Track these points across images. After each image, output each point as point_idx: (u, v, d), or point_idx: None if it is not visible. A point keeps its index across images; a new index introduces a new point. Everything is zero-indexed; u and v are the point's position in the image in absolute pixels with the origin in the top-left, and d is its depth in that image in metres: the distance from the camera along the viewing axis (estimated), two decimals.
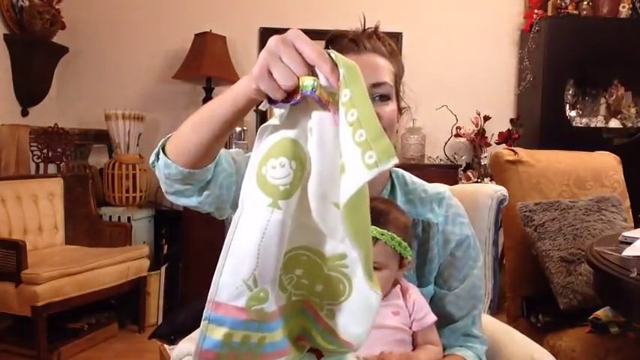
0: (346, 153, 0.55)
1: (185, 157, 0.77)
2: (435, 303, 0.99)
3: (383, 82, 0.91)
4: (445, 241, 0.99)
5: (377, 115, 0.86)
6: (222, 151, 0.87)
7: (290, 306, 0.67)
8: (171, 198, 0.87)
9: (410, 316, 0.89)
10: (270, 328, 0.63)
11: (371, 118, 0.55)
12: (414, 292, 0.91)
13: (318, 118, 0.60)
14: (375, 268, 0.87)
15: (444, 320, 0.98)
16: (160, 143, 0.82)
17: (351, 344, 0.67)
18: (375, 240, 0.87)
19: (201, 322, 0.60)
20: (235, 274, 0.60)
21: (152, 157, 0.83)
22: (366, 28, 0.97)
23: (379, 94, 0.91)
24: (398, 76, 0.97)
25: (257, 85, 0.60)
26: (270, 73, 0.58)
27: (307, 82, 0.58)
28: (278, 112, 0.62)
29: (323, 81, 0.58)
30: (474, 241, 1.01)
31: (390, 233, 0.88)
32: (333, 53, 0.58)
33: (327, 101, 0.59)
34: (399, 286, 0.91)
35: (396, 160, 0.53)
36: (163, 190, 0.86)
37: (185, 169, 0.78)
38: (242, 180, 0.64)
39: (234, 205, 0.89)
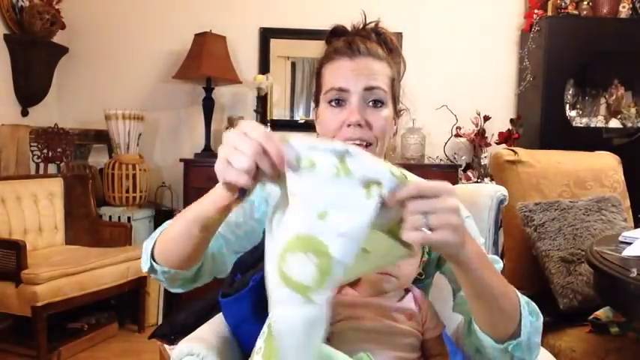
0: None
1: (175, 262, 0.83)
2: (452, 280, 0.96)
3: (376, 86, 0.90)
4: None
5: (368, 122, 0.90)
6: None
7: None
8: (175, 291, 0.93)
9: (423, 324, 0.89)
10: None
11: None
12: (426, 300, 0.92)
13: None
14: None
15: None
16: (149, 251, 0.86)
17: None
18: None
19: None
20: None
21: (145, 267, 0.87)
22: (367, 23, 0.96)
23: (372, 100, 0.91)
24: (395, 80, 0.96)
25: (223, 179, 0.63)
26: (229, 163, 0.61)
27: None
28: (274, 193, 0.66)
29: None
30: (471, 221, 0.97)
31: None
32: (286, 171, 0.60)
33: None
34: (411, 294, 0.92)
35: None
36: (165, 286, 0.92)
37: (172, 270, 0.84)
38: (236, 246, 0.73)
39: (235, 252, 0.96)
